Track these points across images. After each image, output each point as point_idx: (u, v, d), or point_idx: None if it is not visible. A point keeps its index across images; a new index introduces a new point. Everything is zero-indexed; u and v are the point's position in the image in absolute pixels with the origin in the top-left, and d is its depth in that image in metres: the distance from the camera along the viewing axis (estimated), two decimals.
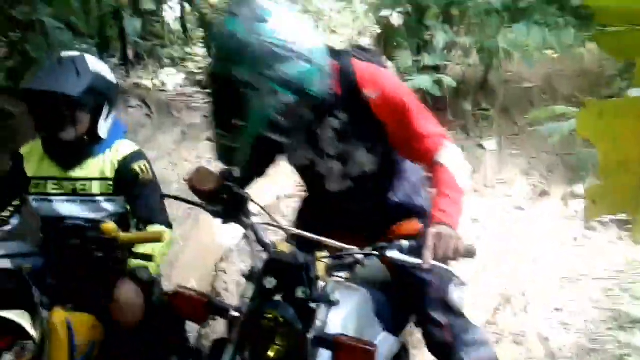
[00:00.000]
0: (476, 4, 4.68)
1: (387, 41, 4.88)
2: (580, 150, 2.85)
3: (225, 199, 1.56)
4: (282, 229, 1.62)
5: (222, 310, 1.47)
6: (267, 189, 4.44)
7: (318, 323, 1.38)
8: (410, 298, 1.84)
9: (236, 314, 1.40)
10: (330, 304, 1.40)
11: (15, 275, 1.68)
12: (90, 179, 2.09)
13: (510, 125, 5.12)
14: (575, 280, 3.28)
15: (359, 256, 1.47)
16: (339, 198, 1.77)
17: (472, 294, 2.49)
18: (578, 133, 1.49)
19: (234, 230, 3.67)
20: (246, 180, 1.85)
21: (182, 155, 5.27)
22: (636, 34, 1.33)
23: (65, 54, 2.06)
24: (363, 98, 1.65)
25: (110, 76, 2.11)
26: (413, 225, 1.73)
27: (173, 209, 2.65)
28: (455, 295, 1.81)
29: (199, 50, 7.57)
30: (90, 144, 2.07)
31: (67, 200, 2.10)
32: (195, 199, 1.68)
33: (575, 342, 2.75)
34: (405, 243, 1.44)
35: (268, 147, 1.77)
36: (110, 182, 2.09)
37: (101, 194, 2.09)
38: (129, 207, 2.09)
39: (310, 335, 1.35)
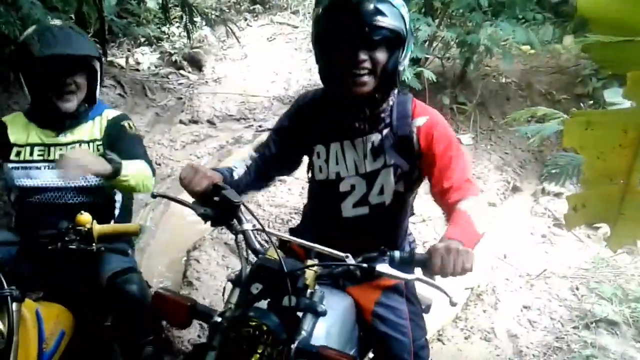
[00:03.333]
0: None
1: None
2: (558, 155, 2.87)
3: (217, 202, 1.52)
4: (273, 235, 1.58)
5: (205, 315, 1.44)
6: None
7: (303, 333, 1.33)
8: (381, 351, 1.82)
9: (219, 319, 1.37)
10: (317, 314, 1.37)
11: None
12: (81, 142, 2.10)
13: (486, 120, 5.16)
14: (544, 277, 3.33)
15: (351, 267, 1.44)
16: (346, 224, 1.75)
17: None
18: (565, 143, 1.51)
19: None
20: (260, 181, 1.80)
21: (155, 138, 5.19)
22: (627, 46, 1.35)
23: (52, 22, 2.11)
24: (411, 125, 1.69)
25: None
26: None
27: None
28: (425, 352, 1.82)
29: (176, 30, 7.43)
30: (88, 109, 2.13)
31: (53, 168, 2.05)
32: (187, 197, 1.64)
33: (542, 340, 2.80)
34: (397, 254, 1.41)
35: (302, 144, 1.79)
36: (100, 143, 2.10)
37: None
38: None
39: (293, 346, 1.32)
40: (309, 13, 7.74)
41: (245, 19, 7.89)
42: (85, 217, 1.73)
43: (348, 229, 1.75)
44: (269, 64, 6.94)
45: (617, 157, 1.47)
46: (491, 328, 2.87)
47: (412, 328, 1.79)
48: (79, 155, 1.80)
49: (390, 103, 1.71)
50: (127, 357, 2.06)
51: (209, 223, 1.54)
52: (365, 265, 1.41)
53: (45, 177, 2.06)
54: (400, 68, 1.62)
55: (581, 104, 5.15)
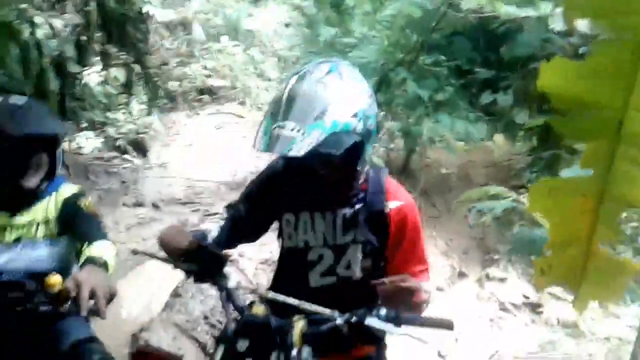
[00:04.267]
0: (403, 93, 5.00)
1: None
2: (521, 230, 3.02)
3: (200, 259, 1.50)
4: (258, 292, 1.56)
5: None
6: None
7: None
8: None
9: None
10: None
11: None
12: (36, 223, 2.00)
13: (430, 208, 5.35)
14: (497, 358, 3.36)
15: (338, 322, 1.44)
16: (314, 293, 1.70)
17: None
18: (529, 209, 1.61)
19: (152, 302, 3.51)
20: (228, 243, 1.78)
21: None
22: (583, 119, 1.49)
23: (12, 98, 2.01)
24: (385, 206, 1.71)
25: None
26: (365, 348, 1.78)
27: None
28: None
29: (121, 115, 7.44)
30: (46, 188, 2.03)
31: (5, 250, 1.91)
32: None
33: None
34: (383, 311, 1.43)
35: (271, 210, 1.79)
36: (54, 223, 2.01)
37: (44, 238, 1.98)
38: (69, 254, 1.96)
39: None
40: (255, 104, 7.98)
41: (193, 108, 8.02)
42: (55, 279, 1.64)
43: (316, 299, 1.68)
44: (215, 151, 7.00)
45: (579, 222, 1.58)
46: None
47: None
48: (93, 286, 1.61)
49: (361, 181, 1.72)
50: None
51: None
52: (354, 318, 1.42)
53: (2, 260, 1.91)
54: (366, 159, 1.66)
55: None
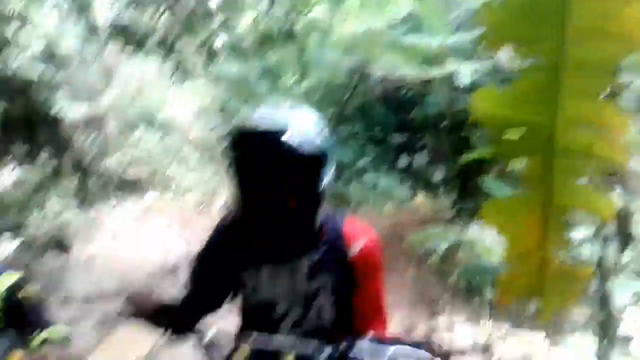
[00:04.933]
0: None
1: None
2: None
3: (172, 316, 1.46)
4: (239, 340, 1.51)
5: None
6: (145, 337, 4.09)
7: None
8: None
9: None
10: None
11: None
12: None
13: None
14: None
15: (323, 356, 1.42)
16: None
17: None
18: (485, 223, 1.70)
19: None
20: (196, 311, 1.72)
21: None
22: (511, 141, 1.62)
23: None
24: (347, 251, 1.67)
25: None
26: None
27: None
28: None
29: (38, 216, 7.09)
30: None
31: None
32: None
33: None
34: (365, 344, 1.43)
35: (229, 270, 1.71)
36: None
37: None
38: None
39: None
40: (177, 192, 7.92)
41: (113, 201, 7.82)
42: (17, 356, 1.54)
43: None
44: (142, 241, 6.82)
45: (531, 234, 1.67)
46: None
47: None
48: None
49: (319, 223, 1.68)
50: None
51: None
52: (338, 352, 1.42)
53: None
54: (320, 189, 1.62)
55: None
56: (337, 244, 1.69)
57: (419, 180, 7.32)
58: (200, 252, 1.80)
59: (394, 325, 4.70)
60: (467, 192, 5.50)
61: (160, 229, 7.26)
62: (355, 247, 1.69)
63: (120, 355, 3.87)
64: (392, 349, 1.42)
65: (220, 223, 1.82)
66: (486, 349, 4.36)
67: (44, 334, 1.77)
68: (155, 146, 8.69)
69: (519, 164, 1.71)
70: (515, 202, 1.72)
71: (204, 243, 1.81)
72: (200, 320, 1.73)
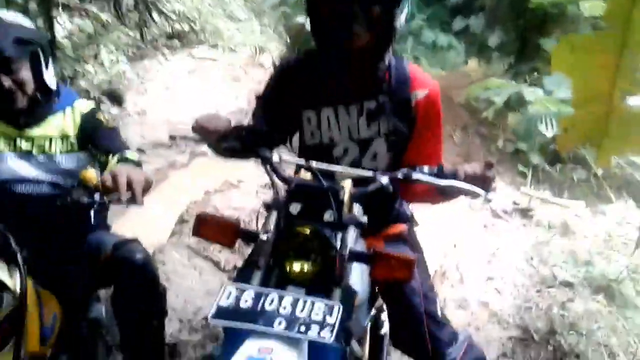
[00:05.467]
0: None
1: (302, 46, 5.03)
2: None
3: (240, 137, 1.52)
4: (302, 164, 1.57)
5: (249, 235, 1.43)
6: (197, 184, 4.34)
7: (349, 244, 1.34)
8: (396, 310, 1.85)
9: (265, 237, 1.35)
10: (360, 226, 1.39)
11: None
12: (50, 138, 1.93)
13: None
14: (498, 255, 3.51)
15: (384, 181, 1.48)
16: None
17: None
18: (553, 68, 1.66)
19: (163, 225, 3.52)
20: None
21: None
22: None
23: None
24: (410, 96, 1.68)
25: (31, 24, 1.94)
26: (399, 227, 1.83)
27: None
28: (437, 306, 1.85)
29: (91, 68, 7.23)
30: (46, 101, 1.92)
31: (22, 158, 1.91)
32: None
33: (512, 303, 2.95)
34: (426, 167, 1.48)
35: (290, 111, 1.75)
36: (74, 140, 1.95)
37: (62, 153, 1.94)
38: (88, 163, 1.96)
39: (346, 251, 1.33)
40: (227, 46, 7.85)
41: (164, 54, 7.84)
42: (90, 173, 1.64)
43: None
44: (192, 95, 6.90)
45: (600, 78, 1.64)
46: (463, 298, 2.98)
47: (417, 274, 1.77)
48: (129, 175, 1.59)
49: (387, 64, 1.68)
50: (127, 333, 1.94)
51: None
52: (401, 174, 1.47)
53: (15, 167, 1.91)
54: (397, 24, 1.60)
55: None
56: (401, 87, 1.70)
57: (473, 44, 7.06)
58: (263, 92, 1.84)
59: None
60: (524, 56, 5.29)
61: (210, 82, 7.32)
62: (420, 93, 1.69)
63: (175, 199, 4.08)
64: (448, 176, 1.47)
65: (284, 63, 1.84)
66: (526, 212, 4.44)
67: (120, 155, 1.85)
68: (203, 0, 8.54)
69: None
70: (589, 41, 1.65)
71: (266, 83, 1.84)
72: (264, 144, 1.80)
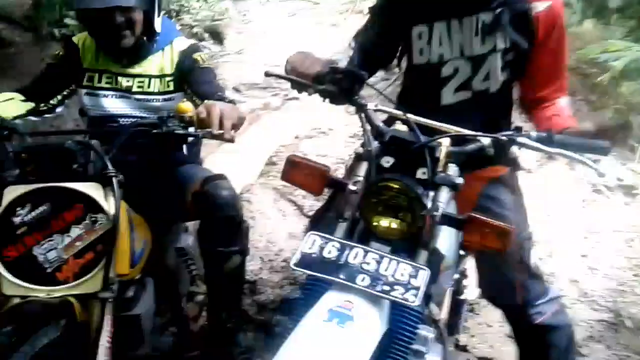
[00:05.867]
0: None
1: None
2: None
3: (336, 79, 1.45)
4: (398, 114, 1.50)
5: (337, 184, 1.40)
6: (288, 127, 4.37)
7: (440, 206, 1.28)
8: (486, 259, 1.77)
9: (354, 188, 1.31)
10: (454, 187, 1.32)
11: (85, 149, 1.55)
12: (149, 76, 2.01)
13: None
14: (595, 232, 3.30)
15: (485, 142, 1.39)
16: (445, 112, 1.62)
17: None
18: None
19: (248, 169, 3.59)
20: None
21: None
22: None
23: None
24: (530, 6, 1.59)
25: None
26: (499, 169, 1.72)
27: None
28: (532, 257, 1.76)
29: (196, 3, 7.35)
30: (149, 42, 1.99)
31: (121, 97, 2.01)
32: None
33: (605, 284, 2.78)
34: (533, 133, 1.37)
35: (401, 25, 1.69)
36: (171, 78, 2.01)
37: (159, 93, 2.01)
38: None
39: (438, 212, 1.26)
40: None
41: None
42: (186, 105, 1.66)
43: (447, 119, 1.55)
44: (291, 38, 6.86)
45: None
46: (551, 273, 2.84)
47: (516, 220, 1.68)
48: (221, 111, 1.61)
49: None
50: (210, 266, 2.00)
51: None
52: (506, 136, 1.37)
53: (117, 107, 2.02)
54: None
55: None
56: (521, 0, 1.59)
57: (591, 3, 6.49)
58: (372, 9, 1.80)
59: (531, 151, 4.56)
60: None
61: (309, 27, 7.25)
62: (540, 4, 1.58)
63: (265, 140, 4.12)
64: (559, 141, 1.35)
65: None
66: (630, 189, 4.12)
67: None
68: None
69: None
70: None
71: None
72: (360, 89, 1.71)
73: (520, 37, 1.60)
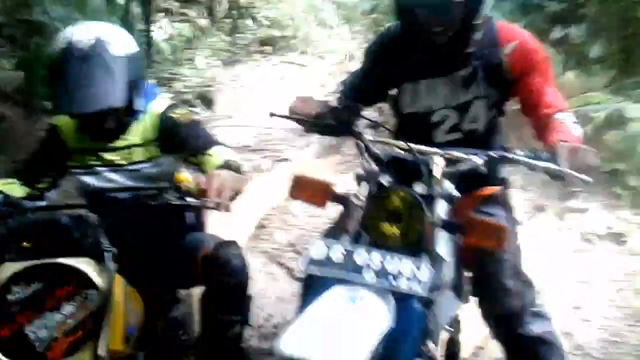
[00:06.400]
0: None
1: None
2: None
3: (334, 116, 1.61)
4: (401, 145, 1.61)
5: (341, 198, 1.52)
6: (276, 190, 4.40)
7: (439, 215, 1.39)
8: (483, 264, 1.82)
9: (357, 201, 1.41)
10: (450, 199, 1.41)
11: (80, 223, 1.59)
12: (133, 146, 1.99)
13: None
14: (587, 282, 3.32)
15: (479, 161, 1.48)
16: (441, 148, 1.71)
17: None
18: None
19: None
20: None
21: None
22: None
23: (77, 37, 1.80)
24: (501, 54, 1.75)
25: (134, 46, 1.95)
26: (492, 189, 1.80)
27: None
28: (520, 254, 1.84)
29: (187, 70, 7.55)
30: (130, 117, 1.99)
31: (113, 171, 2.01)
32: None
33: (599, 336, 2.78)
34: (520, 151, 1.50)
35: (387, 81, 1.87)
36: (157, 143, 1.99)
37: (146, 160, 2.01)
38: (174, 168, 2.02)
39: (439, 216, 1.38)
40: (316, 53, 7.96)
41: (256, 60, 8.07)
42: (183, 175, 1.70)
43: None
44: (280, 100, 7.01)
45: None
46: None
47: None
48: (222, 181, 1.65)
49: (477, 37, 1.74)
50: (208, 334, 2.00)
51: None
52: (498, 154, 1.45)
53: (108, 179, 2.01)
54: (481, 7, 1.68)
55: None
56: (491, 47, 1.76)
57: (572, 55, 6.71)
58: (365, 58, 1.99)
59: (520, 203, 4.60)
60: (628, 70, 4.97)
61: (298, 89, 7.43)
62: (508, 46, 1.75)
63: (256, 203, 4.14)
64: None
65: (384, 35, 1.94)
66: (619, 237, 4.16)
67: (219, 157, 1.88)
68: (298, 6, 8.70)
69: None
70: None
71: (366, 52, 1.99)
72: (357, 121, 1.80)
73: (495, 85, 1.76)
